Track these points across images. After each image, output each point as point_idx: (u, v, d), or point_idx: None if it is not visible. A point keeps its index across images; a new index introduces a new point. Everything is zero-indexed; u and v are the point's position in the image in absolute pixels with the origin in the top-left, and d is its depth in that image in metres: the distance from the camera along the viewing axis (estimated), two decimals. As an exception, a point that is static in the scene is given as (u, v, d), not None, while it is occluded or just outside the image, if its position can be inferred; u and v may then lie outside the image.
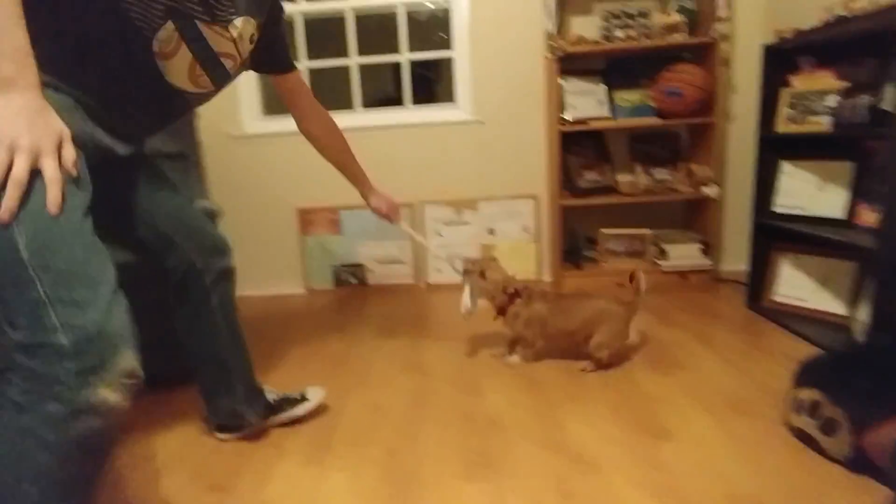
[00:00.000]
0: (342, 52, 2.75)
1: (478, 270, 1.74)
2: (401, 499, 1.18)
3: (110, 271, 0.80)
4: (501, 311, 1.77)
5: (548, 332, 1.76)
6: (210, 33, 0.99)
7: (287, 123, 2.71)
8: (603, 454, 1.30)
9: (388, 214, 1.74)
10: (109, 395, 0.73)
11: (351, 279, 2.81)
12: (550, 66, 2.40)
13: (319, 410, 1.55)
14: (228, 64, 1.08)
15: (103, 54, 0.91)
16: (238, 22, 1.04)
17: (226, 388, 1.38)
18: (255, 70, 1.31)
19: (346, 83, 2.78)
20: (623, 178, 2.65)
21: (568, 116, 2.44)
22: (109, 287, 0.77)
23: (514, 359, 1.82)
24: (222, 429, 1.45)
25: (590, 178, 2.56)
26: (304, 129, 1.50)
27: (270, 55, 1.28)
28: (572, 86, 2.49)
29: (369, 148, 2.74)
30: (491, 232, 2.75)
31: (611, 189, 2.58)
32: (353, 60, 2.75)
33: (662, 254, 2.48)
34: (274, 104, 3.00)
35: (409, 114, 2.76)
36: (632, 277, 1.79)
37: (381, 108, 2.82)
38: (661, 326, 2.09)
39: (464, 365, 1.86)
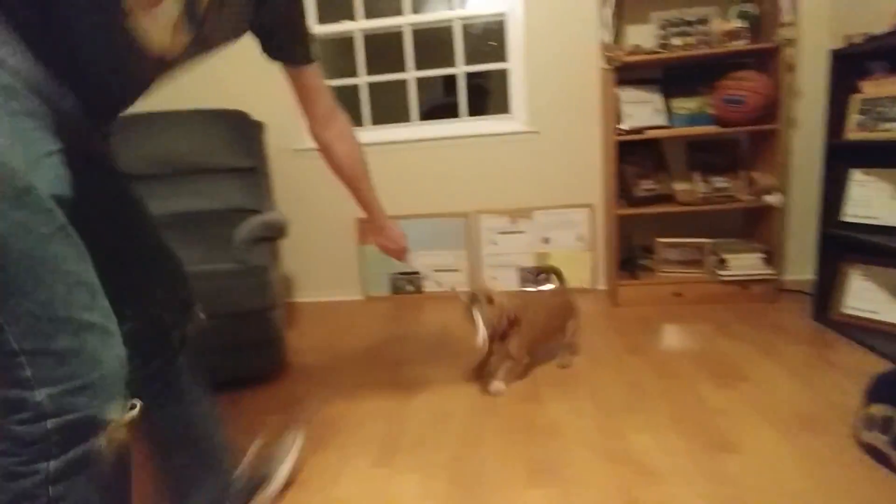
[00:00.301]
0: (393, 66, 2.85)
1: (485, 299, 1.70)
2: (469, 501, 1.23)
3: (99, 304, 0.68)
4: (503, 337, 1.76)
5: (529, 338, 1.81)
6: None
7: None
8: (666, 464, 1.31)
9: (397, 254, 1.60)
10: (104, 444, 0.66)
11: (407, 287, 2.89)
12: (606, 76, 2.41)
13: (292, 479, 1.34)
14: (206, 28, 0.86)
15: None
16: None
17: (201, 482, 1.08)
18: (268, 55, 1.13)
19: (398, 96, 2.87)
20: (680, 187, 2.62)
21: (624, 126, 2.44)
22: (99, 328, 0.67)
23: (500, 385, 1.76)
24: None
25: (646, 186, 2.54)
26: (315, 134, 1.27)
27: (279, 42, 1.10)
28: (628, 95, 2.49)
29: (425, 159, 2.82)
30: (546, 241, 2.77)
31: (667, 198, 2.55)
32: (411, 74, 2.84)
33: (721, 263, 2.43)
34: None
35: (465, 125, 2.82)
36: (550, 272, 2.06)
37: (437, 120, 2.89)
38: (721, 337, 2.06)
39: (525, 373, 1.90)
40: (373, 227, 1.52)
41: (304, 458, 1.46)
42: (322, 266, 2.98)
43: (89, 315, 0.66)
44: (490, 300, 1.70)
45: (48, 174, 0.65)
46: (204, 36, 0.87)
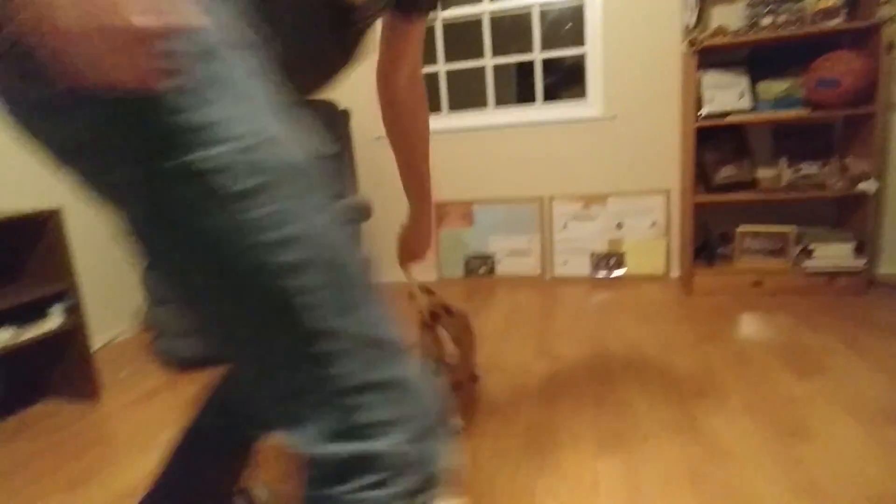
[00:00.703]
0: (470, 53, 2.92)
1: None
2: (541, 465, 1.33)
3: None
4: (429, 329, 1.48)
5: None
6: None
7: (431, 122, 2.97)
8: (735, 446, 1.34)
9: (414, 253, 1.33)
10: None
11: (480, 269, 3.00)
12: (688, 59, 2.37)
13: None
14: None
15: None
16: None
17: None
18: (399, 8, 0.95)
19: (475, 83, 2.95)
20: (764, 174, 2.54)
21: (704, 111, 2.39)
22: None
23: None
24: None
25: (726, 173, 2.48)
26: (392, 89, 1.09)
27: None
28: (711, 78, 2.44)
29: (501, 145, 2.89)
30: (619, 227, 2.78)
31: (750, 185, 2.49)
32: (489, 61, 2.90)
33: (807, 253, 2.35)
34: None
35: (541, 111, 2.86)
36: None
37: (514, 105, 2.95)
38: (802, 329, 2.01)
39: (594, 353, 1.95)
40: (415, 214, 1.27)
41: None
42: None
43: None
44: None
45: None
46: None
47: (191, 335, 1.99)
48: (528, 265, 2.92)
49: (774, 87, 2.42)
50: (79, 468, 1.50)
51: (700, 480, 1.23)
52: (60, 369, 1.89)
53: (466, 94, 3.12)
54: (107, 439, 1.65)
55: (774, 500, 1.15)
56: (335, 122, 2.63)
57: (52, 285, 1.77)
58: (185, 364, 2.11)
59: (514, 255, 2.93)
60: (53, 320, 1.78)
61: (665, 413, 1.52)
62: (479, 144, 2.91)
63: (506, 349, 2.06)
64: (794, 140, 2.49)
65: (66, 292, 1.79)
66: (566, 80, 3.39)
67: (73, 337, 1.83)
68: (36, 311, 1.76)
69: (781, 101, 2.40)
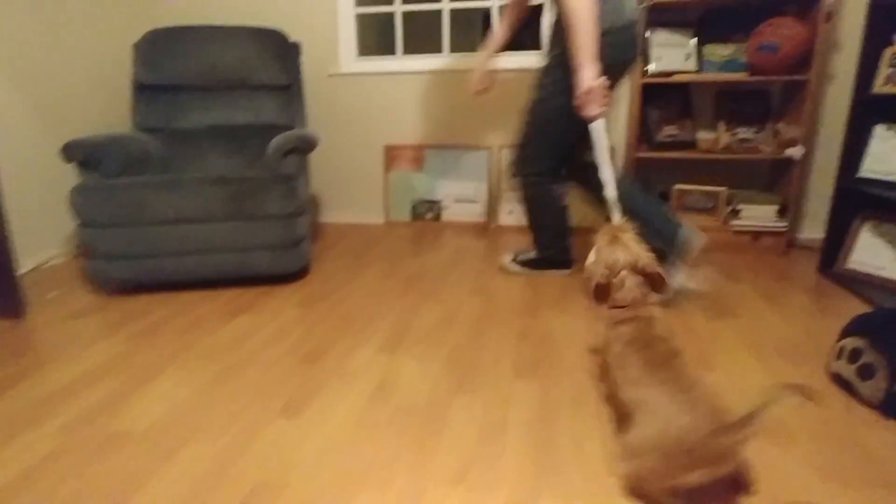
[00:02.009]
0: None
1: (610, 237, 1.27)
2: (459, 384, 1.39)
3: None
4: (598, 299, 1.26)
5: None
6: None
7: (380, 64, 2.92)
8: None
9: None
10: None
11: (427, 214, 3.02)
12: (639, 14, 2.40)
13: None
14: None
15: None
16: None
17: None
18: None
19: (434, 27, 2.90)
20: (704, 136, 2.63)
21: (651, 68, 2.44)
22: None
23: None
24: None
25: (669, 132, 2.56)
26: None
27: None
28: (660, 37, 2.48)
29: (456, 91, 2.87)
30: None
31: (689, 145, 2.58)
32: (446, 4, 2.86)
33: (735, 213, 2.47)
34: (368, 46, 3.19)
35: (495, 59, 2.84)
36: None
37: (472, 52, 2.93)
38: (725, 283, 2.13)
39: (526, 293, 2.02)
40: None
41: (321, 340, 1.64)
42: (349, 189, 3.12)
43: None
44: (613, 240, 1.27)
45: None
46: None
47: (123, 258, 1.95)
48: (475, 212, 2.96)
49: (720, 51, 2.49)
50: (2, 375, 1.48)
51: (606, 401, 1.32)
52: (-18, 285, 1.83)
53: (426, 37, 3.07)
54: (29, 351, 1.62)
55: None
56: (285, 53, 2.55)
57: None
58: (117, 285, 2.08)
59: (462, 202, 2.96)
60: (-28, 232, 1.71)
61: (582, 346, 1.60)
62: (433, 89, 2.89)
63: (443, 286, 2.11)
64: (734, 104, 2.58)
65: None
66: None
67: (-6, 252, 1.77)
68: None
69: (726, 65, 2.47)
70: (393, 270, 2.29)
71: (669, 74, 2.44)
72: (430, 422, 1.24)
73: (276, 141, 2.04)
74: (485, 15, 3.00)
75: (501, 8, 2.82)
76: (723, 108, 2.60)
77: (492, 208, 2.95)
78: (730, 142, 2.54)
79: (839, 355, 1.39)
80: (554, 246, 2.19)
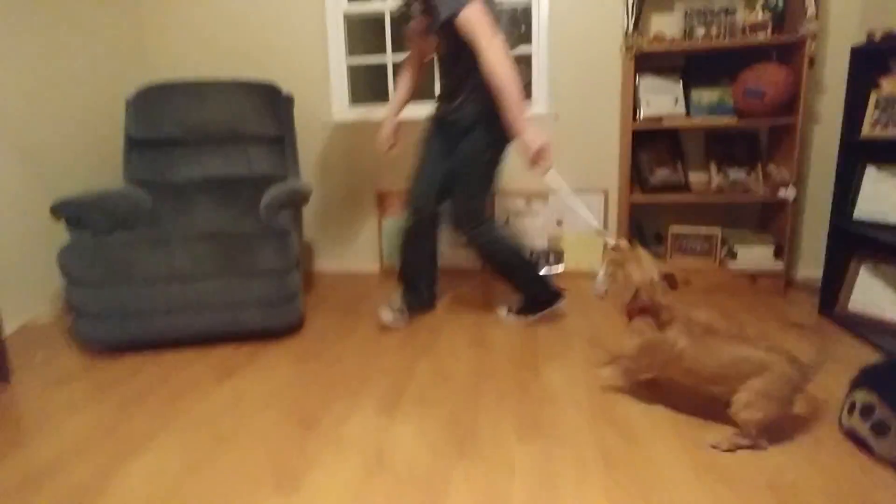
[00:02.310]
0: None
1: (618, 259, 1.48)
2: (460, 450, 1.34)
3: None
4: (628, 316, 1.49)
5: (677, 369, 1.41)
6: None
7: (373, 112, 2.94)
8: (648, 428, 1.39)
9: (532, 159, 1.82)
10: None
11: (423, 261, 2.99)
12: (627, 63, 2.45)
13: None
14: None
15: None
16: None
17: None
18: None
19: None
20: (696, 177, 2.65)
21: (641, 114, 2.48)
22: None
23: (605, 371, 1.69)
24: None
25: (661, 174, 2.58)
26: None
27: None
28: (648, 83, 2.52)
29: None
30: (559, 223, 2.84)
31: (682, 187, 2.59)
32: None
33: (732, 254, 2.47)
34: (360, 94, 3.23)
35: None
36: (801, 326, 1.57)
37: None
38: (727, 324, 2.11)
39: (525, 344, 1.98)
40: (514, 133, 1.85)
41: (317, 402, 1.59)
42: (342, 236, 3.10)
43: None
44: (620, 264, 1.46)
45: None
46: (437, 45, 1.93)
47: (110, 317, 1.91)
48: (470, 257, 2.94)
49: (707, 95, 2.53)
50: (-24, 453, 1.41)
51: (611, 466, 1.27)
52: (-36, 351, 1.78)
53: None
54: (14, 422, 1.55)
55: (677, 482, 1.20)
56: (278, 106, 2.57)
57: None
58: (105, 345, 2.02)
59: (457, 247, 2.94)
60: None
61: (585, 401, 1.56)
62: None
63: (440, 336, 2.07)
64: (724, 145, 2.61)
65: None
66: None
67: (-22, 316, 1.72)
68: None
69: (713, 108, 2.51)
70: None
71: (659, 119, 2.47)
72: (430, 494, 1.18)
73: (269, 195, 2.03)
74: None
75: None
76: (713, 150, 2.62)
77: (487, 253, 2.93)
78: (722, 183, 2.55)
79: (851, 410, 1.35)
80: (535, 283, 2.16)
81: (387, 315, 2.17)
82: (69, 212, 1.93)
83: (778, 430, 1.37)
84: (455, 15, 1.73)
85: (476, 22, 1.72)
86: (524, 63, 2.82)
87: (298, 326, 2.20)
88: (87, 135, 2.66)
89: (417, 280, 2.27)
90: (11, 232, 2.27)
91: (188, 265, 1.91)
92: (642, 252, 1.45)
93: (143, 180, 2.40)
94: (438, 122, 2.11)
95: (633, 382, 1.61)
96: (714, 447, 1.32)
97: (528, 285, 2.16)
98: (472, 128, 1.96)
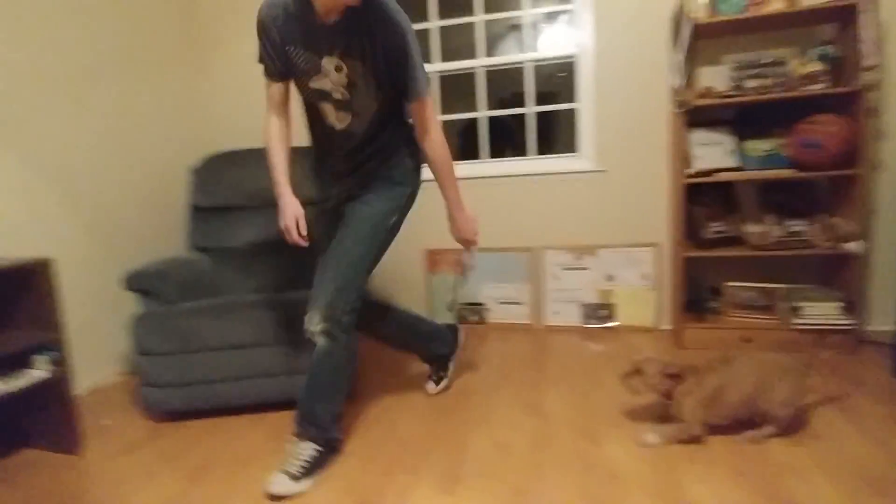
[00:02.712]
0: (463, 104, 3.00)
1: (634, 369, 1.74)
2: (525, 536, 1.31)
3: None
4: (668, 396, 1.71)
5: (724, 404, 1.65)
6: (317, 83, 1.59)
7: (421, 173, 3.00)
8: (724, 519, 1.33)
9: (463, 243, 1.91)
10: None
11: (471, 317, 3.00)
12: (676, 118, 2.44)
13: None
14: (336, 95, 1.60)
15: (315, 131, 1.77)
16: (324, 62, 1.55)
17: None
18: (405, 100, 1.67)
19: (469, 134, 3.01)
20: (751, 229, 2.57)
21: (693, 168, 2.45)
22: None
23: (652, 437, 1.70)
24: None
25: (715, 228, 2.52)
26: (419, 141, 1.74)
27: (393, 84, 1.61)
28: (699, 137, 2.50)
29: (494, 195, 2.93)
30: (610, 278, 2.80)
31: (737, 240, 2.52)
32: (483, 114, 2.98)
33: (795, 311, 2.36)
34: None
35: (533, 163, 2.91)
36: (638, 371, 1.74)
37: (507, 158, 3.01)
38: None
39: (583, 410, 1.94)
40: (449, 216, 1.86)
41: (376, 477, 1.58)
42: (391, 294, 3.14)
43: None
44: (638, 372, 1.73)
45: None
46: (357, 111, 1.65)
47: (176, 385, 1.98)
48: (520, 313, 2.92)
49: (760, 146, 2.48)
50: (54, 528, 1.47)
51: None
52: (43, 418, 1.87)
53: (462, 145, 3.18)
54: (86, 494, 1.61)
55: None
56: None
57: (39, 335, 1.76)
58: (168, 412, 2.08)
59: (506, 304, 2.94)
60: (39, 371, 1.76)
61: (649, 480, 1.50)
62: (472, 194, 2.94)
63: (496, 402, 2.04)
64: (780, 196, 2.53)
65: (53, 343, 1.78)
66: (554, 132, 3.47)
67: (57, 387, 1.81)
68: (21, 361, 1.75)
69: (767, 159, 2.45)
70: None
71: (710, 173, 2.43)
72: (498, 588, 1.15)
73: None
74: (506, 126, 3.10)
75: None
76: (769, 201, 2.55)
77: (537, 309, 2.91)
78: (780, 236, 2.47)
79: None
80: (439, 335, 2.19)
81: (433, 389, 2.20)
82: (140, 284, 2.04)
83: None
84: (422, 93, 1.62)
85: (431, 105, 1.69)
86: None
87: (352, 391, 2.21)
88: (152, 200, 2.82)
89: (428, 335, 2.17)
90: (80, 293, 2.40)
91: (248, 333, 1.97)
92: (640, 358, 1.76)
93: (205, 247, 2.52)
94: (335, 205, 1.82)
95: (688, 439, 1.68)
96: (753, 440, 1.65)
97: (437, 340, 2.19)
98: (380, 201, 1.74)
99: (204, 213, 2.56)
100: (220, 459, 1.76)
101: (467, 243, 1.90)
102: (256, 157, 2.61)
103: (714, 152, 2.50)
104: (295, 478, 1.53)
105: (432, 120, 1.69)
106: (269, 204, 2.58)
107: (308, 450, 1.59)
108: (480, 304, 2.97)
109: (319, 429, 1.63)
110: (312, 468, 1.58)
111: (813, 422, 1.76)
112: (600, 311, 2.82)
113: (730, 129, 2.52)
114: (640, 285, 2.77)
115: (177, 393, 1.99)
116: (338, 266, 1.64)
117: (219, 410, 2.09)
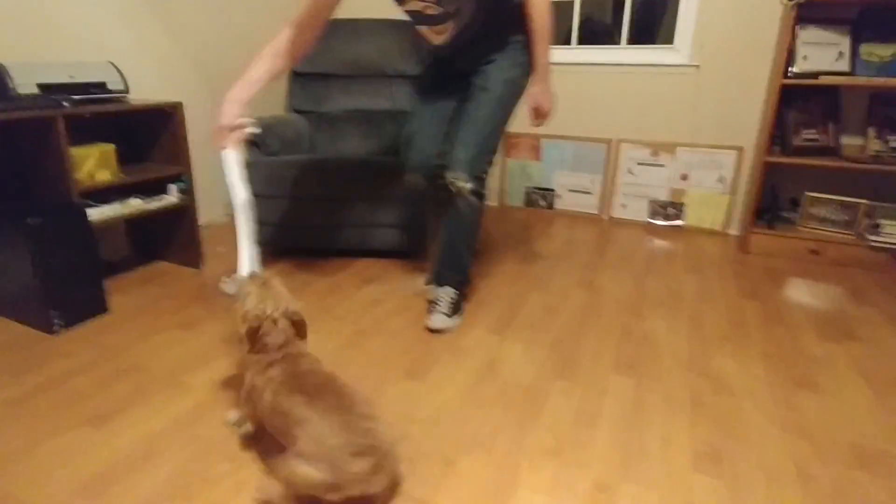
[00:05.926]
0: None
1: (249, 288, 1.23)
2: (560, 372, 1.54)
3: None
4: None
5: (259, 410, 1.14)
6: (408, 5, 1.63)
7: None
8: (741, 385, 1.49)
9: (536, 114, 1.81)
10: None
11: (541, 202, 3.13)
12: (787, 11, 2.28)
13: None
14: (429, 12, 1.61)
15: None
16: None
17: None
18: None
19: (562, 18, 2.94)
20: (849, 141, 2.45)
21: (795, 69, 2.32)
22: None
23: (232, 415, 1.33)
24: None
25: (808, 136, 2.43)
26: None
27: None
28: (809, 34, 2.33)
29: (579, 83, 2.91)
30: (684, 178, 2.80)
31: (828, 151, 2.42)
32: (579, -4, 2.88)
33: (874, 228, 2.31)
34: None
35: (624, 53, 2.84)
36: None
37: (597, 46, 2.94)
38: (849, 301, 2.04)
39: (634, 291, 2.09)
40: (536, 77, 1.76)
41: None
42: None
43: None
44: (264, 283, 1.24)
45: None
46: (454, 14, 1.61)
47: (277, 225, 2.30)
48: (588, 203, 3.01)
49: (880, 51, 2.29)
50: (188, 314, 1.87)
51: (698, 407, 1.39)
52: (174, 238, 2.27)
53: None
54: (205, 301, 2.01)
55: (760, 433, 1.30)
56: (418, 43, 2.74)
57: (171, 167, 2.10)
58: (269, 248, 2.44)
59: (575, 193, 3.03)
60: (172, 197, 2.12)
61: (683, 350, 1.67)
62: (557, 80, 2.94)
63: (552, 274, 2.24)
64: (892, 109, 2.37)
65: (182, 175, 2.11)
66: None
67: (185, 212, 2.18)
68: (158, 188, 2.10)
69: (885, 68, 2.28)
70: (505, 256, 2.45)
71: (816, 75, 2.30)
72: (531, 401, 1.40)
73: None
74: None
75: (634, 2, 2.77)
76: (878, 114, 2.40)
77: (605, 201, 2.99)
78: (879, 150, 2.35)
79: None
80: (467, 265, 1.90)
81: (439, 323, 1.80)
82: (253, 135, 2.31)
83: (877, 403, 1.39)
84: None
85: None
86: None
87: (425, 248, 2.47)
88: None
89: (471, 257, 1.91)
90: (201, 139, 2.74)
91: (340, 188, 2.22)
92: (279, 289, 1.23)
93: (303, 110, 2.75)
94: (450, 72, 1.84)
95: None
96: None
97: (469, 261, 1.90)
98: (511, 66, 1.74)
99: (303, 78, 2.76)
100: (310, 288, 2.09)
101: (541, 114, 1.81)
102: (354, 28, 2.73)
103: (824, 53, 2.34)
104: (447, 315, 1.78)
105: None
106: (365, 73, 2.76)
107: (451, 293, 1.83)
108: (551, 191, 3.08)
109: (461, 275, 1.87)
110: (457, 308, 1.84)
111: (858, 327, 1.82)
112: (669, 209, 2.86)
113: (846, 30, 2.33)
114: (714, 189, 2.75)
115: (275, 233, 2.32)
116: (476, 127, 1.71)
117: (310, 253, 2.43)
